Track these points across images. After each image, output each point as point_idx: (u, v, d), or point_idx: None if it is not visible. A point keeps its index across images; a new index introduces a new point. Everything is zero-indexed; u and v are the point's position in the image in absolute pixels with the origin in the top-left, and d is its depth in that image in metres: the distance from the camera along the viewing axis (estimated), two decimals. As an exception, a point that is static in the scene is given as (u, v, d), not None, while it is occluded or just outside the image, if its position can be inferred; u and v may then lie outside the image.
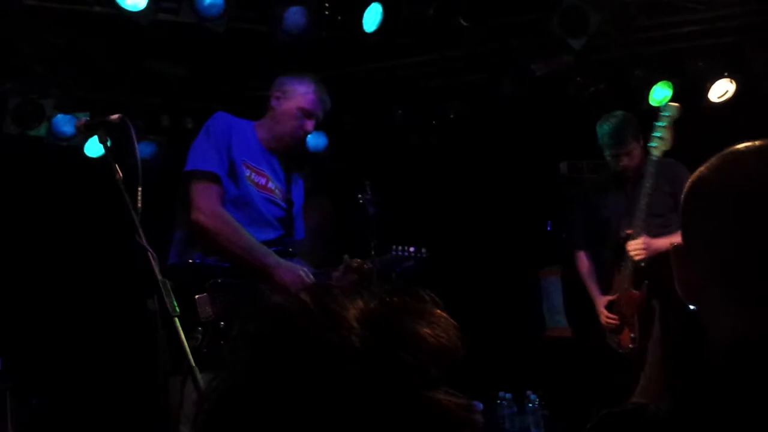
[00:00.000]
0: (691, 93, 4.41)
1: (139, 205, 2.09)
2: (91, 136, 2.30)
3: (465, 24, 4.02)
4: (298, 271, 2.63)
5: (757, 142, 0.95)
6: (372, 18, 3.90)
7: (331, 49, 4.31)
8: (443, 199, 4.94)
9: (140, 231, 2.03)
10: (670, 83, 4.42)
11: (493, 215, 4.91)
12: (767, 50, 4.27)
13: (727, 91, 4.35)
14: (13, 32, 3.79)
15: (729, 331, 0.91)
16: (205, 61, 4.36)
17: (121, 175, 2.13)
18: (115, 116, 2.23)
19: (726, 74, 4.33)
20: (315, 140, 4.87)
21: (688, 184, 0.98)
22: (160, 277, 1.98)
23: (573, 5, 3.80)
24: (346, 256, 2.80)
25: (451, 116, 4.78)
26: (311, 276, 2.69)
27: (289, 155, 2.94)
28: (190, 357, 1.91)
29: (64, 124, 4.09)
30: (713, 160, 0.97)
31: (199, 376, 1.88)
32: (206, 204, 2.63)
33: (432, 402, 0.56)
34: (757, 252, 0.89)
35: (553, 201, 4.56)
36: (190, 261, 2.62)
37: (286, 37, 3.77)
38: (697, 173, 0.97)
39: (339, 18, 3.99)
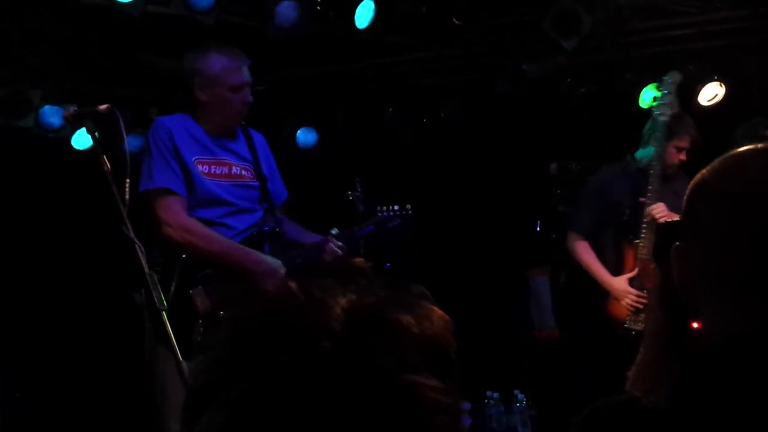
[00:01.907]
0: (681, 96, 4.43)
1: (127, 197, 2.07)
2: (79, 127, 2.28)
3: (458, 23, 4.01)
4: (278, 272, 2.62)
5: (759, 145, 0.96)
6: (364, 14, 3.88)
7: (322, 45, 4.29)
8: (433, 198, 4.93)
9: (128, 223, 2.01)
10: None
11: (483, 215, 4.91)
12: (758, 54, 4.30)
13: (716, 95, 4.37)
14: (0, 22, 3.74)
15: (724, 331, 0.92)
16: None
17: (108, 166, 2.11)
18: (103, 106, 2.21)
19: (716, 78, 4.35)
20: (305, 137, 4.85)
21: (690, 184, 0.99)
22: (147, 270, 1.96)
23: (566, 6, 3.81)
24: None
25: (442, 115, 4.78)
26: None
27: (235, 130, 2.83)
28: (177, 351, 1.90)
29: (52, 115, 4.04)
30: (715, 162, 0.97)
31: (187, 370, 1.86)
32: (172, 218, 2.61)
33: (405, 383, 0.57)
34: (750, 254, 0.90)
35: (543, 202, 4.57)
36: (184, 256, 2.60)
37: (278, 32, 3.75)
38: (699, 175, 0.98)
39: (331, 14, 3.98)
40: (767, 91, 4.32)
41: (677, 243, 0.98)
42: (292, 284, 0.62)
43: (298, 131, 4.84)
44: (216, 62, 2.71)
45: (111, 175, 2.11)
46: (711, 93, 4.37)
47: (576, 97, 4.51)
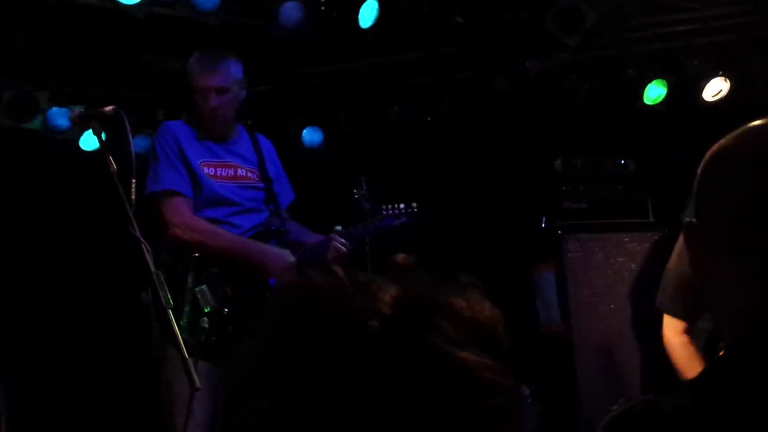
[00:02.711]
0: (685, 92, 4.42)
1: (133, 197, 2.10)
2: (86, 128, 2.31)
3: (461, 21, 4.02)
4: (286, 258, 2.66)
5: None
6: (368, 14, 3.89)
7: (326, 44, 4.30)
8: (438, 195, 4.95)
9: (134, 223, 2.04)
10: (664, 81, 4.43)
11: (488, 211, 4.92)
12: (762, 49, 4.28)
13: (721, 90, 4.36)
14: (6, 24, 3.77)
15: (742, 314, 0.86)
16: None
17: (115, 167, 2.13)
18: (109, 108, 2.24)
19: (720, 73, 4.34)
20: (311, 136, 4.87)
21: (706, 156, 0.92)
22: (153, 269, 1.99)
23: (569, 3, 3.81)
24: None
25: (447, 113, 4.78)
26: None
27: (225, 134, 2.85)
28: (184, 350, 1.92)
29: (59, 117, 4.08)
30: (734, 132, 0.91)
31: (193, 368, 1.89)
32: (178, 218, 2.66)
33: (457, 360, 0.54)
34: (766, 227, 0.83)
35: (548, 197, 4.57)
36: (195, 255, 2.63)
37: (282, 32, 3.76)
38: (716, 145, 0.92)
39: (335, 14, 3.99)
40: (772, 85, 4.31)
41: (689, 220, 0.91)
42: (338, 270, 0.59)
43: (304, 130, 4.86)
44: (191, 64, 2.80)
45: (117, 175, 2.13)
46: (716, 88, 4.37)
47: (580, 93, 4.52)
